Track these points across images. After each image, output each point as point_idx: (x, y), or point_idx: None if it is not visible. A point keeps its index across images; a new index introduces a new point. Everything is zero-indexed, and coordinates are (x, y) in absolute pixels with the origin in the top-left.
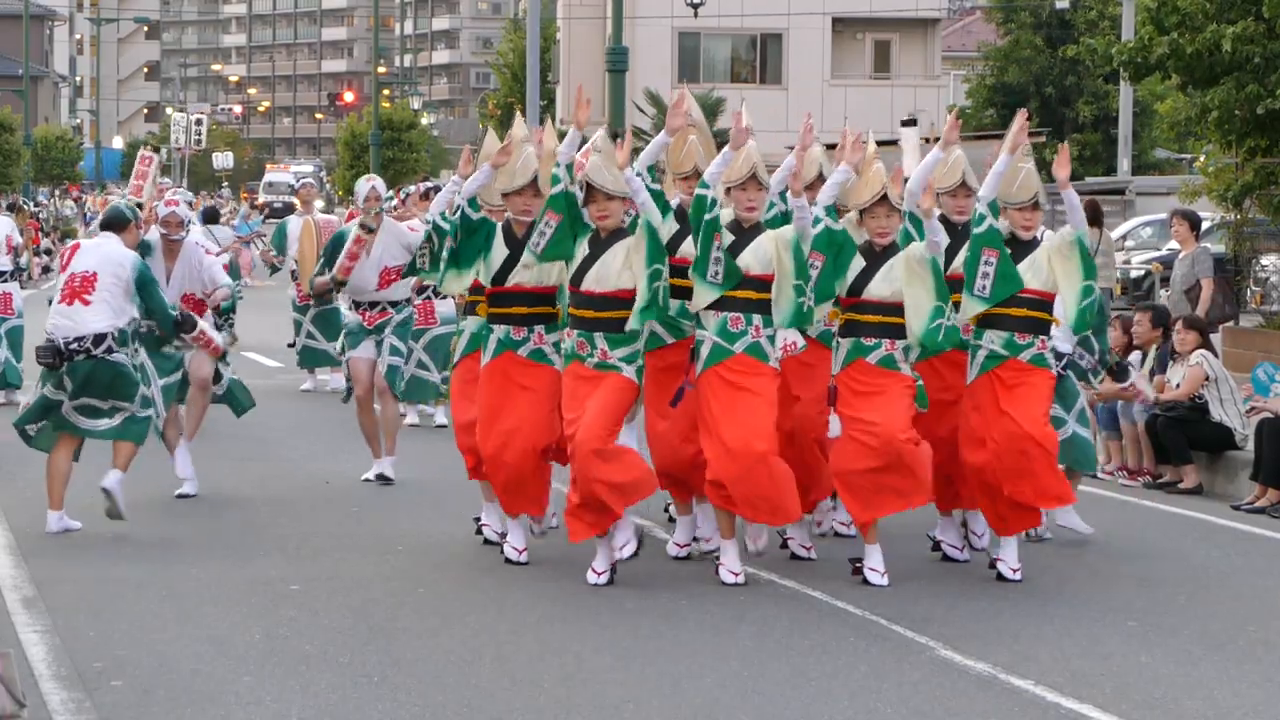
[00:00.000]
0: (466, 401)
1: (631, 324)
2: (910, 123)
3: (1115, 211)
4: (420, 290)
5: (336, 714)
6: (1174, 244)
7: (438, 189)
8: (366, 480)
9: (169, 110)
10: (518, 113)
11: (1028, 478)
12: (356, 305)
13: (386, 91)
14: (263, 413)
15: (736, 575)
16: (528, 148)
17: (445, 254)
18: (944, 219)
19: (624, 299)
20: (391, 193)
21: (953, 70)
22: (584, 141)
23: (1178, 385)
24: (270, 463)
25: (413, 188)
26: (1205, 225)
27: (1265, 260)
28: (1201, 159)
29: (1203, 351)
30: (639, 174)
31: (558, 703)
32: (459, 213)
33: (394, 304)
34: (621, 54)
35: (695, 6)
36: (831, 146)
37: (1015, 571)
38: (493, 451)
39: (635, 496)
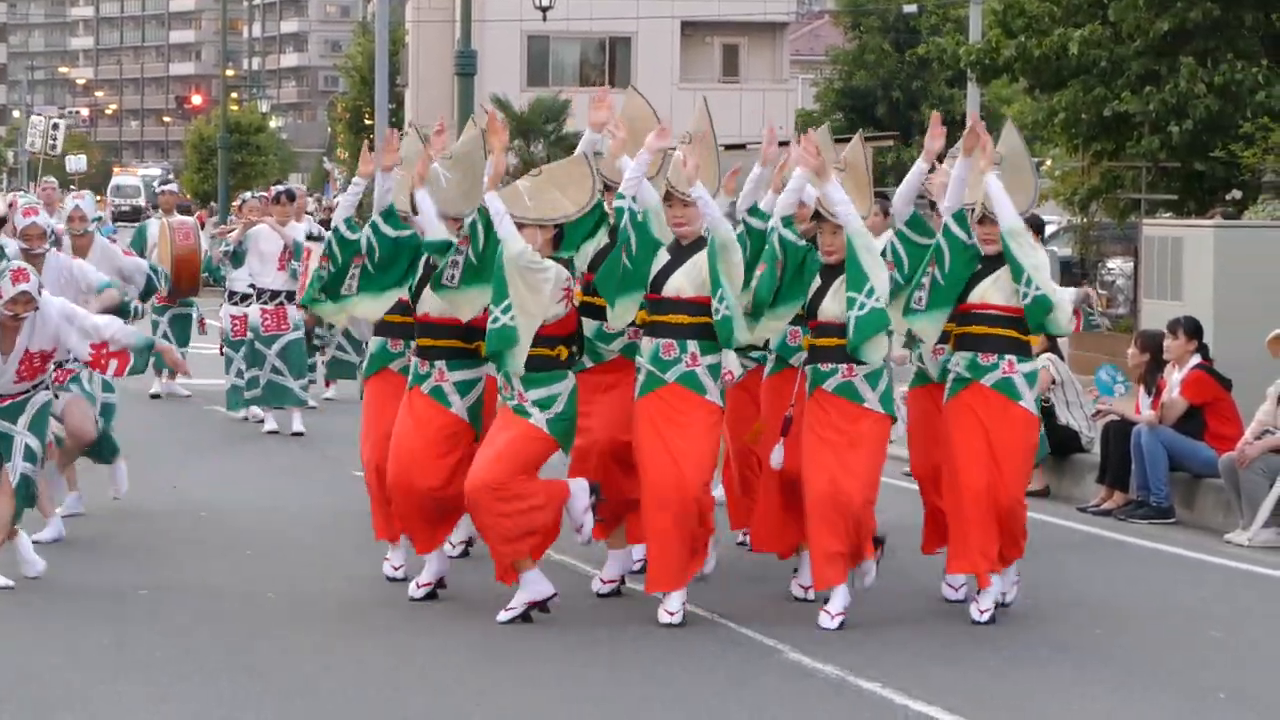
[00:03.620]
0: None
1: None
2: None
3: None
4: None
5: None
6: None
7: (289, 193)
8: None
9: (15, 113)
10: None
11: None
12: None
13: (235, 95)
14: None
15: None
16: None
17: (357, 273)
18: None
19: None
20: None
21: (801, 74)
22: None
23: None
24: None
25: (257, 193)
26: (1052, 229)
27: (1111, 264)
28: (1048, 162)
29: (1049, 355)
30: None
31: (422, 709)
32: (373, 227)
33: None
34: (470, 57)
35: (544, 10)
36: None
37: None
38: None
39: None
